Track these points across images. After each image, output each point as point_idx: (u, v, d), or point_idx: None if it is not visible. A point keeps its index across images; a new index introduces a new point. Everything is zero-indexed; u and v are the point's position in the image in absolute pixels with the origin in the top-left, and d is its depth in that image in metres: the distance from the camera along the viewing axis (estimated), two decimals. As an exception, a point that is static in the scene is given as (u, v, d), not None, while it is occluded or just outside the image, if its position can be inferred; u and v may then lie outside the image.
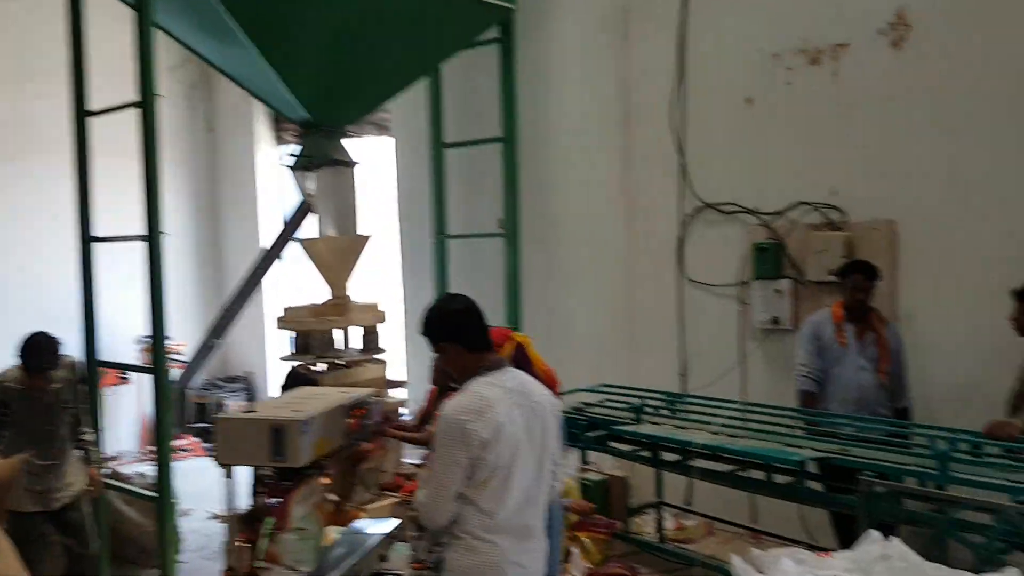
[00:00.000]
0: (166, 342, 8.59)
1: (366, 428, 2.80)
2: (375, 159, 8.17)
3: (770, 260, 5.52)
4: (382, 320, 5.38)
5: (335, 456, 2.81)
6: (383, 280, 8.13)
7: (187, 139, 9.49)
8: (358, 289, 7.81)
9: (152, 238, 4.33)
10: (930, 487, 3.84)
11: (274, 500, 2.27)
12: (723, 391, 5.69)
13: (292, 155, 5.45)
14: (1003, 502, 3.50)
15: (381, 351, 5.34)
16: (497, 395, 2.75)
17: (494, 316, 6.74)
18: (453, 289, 7.08)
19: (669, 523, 5.89)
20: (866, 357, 4.76)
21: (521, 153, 6.63)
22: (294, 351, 5.28)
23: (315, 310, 5.26)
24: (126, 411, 8.42)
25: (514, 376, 2.90)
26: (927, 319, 4.98)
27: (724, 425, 4.69)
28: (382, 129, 8.14)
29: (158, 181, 4.33)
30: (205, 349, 6.30)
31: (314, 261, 5.32)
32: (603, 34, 6.32)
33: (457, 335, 2.83)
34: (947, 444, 3.81)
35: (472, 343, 2.84)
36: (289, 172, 5.62)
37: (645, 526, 5.77)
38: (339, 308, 5.22)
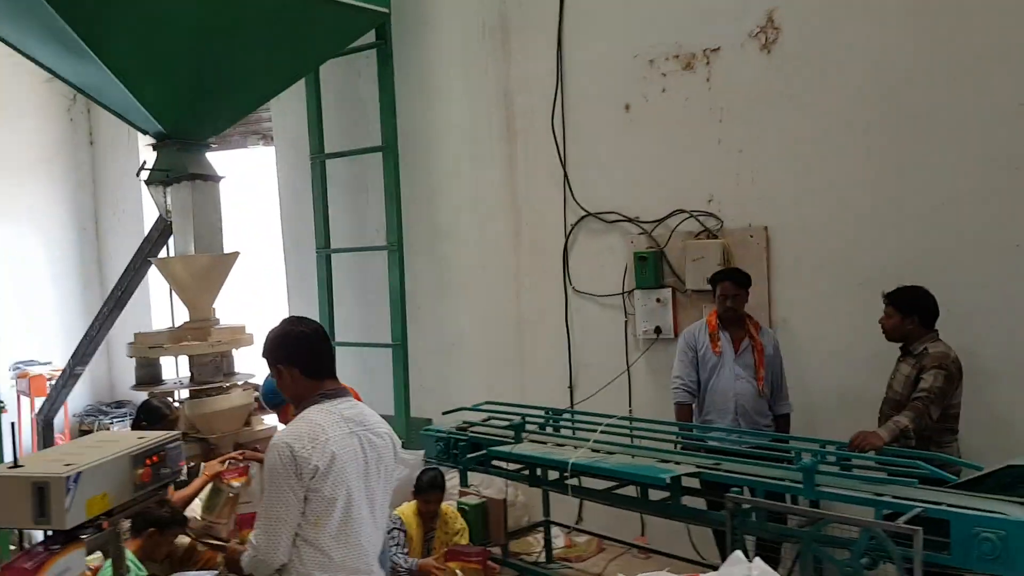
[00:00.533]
0: (42, 368, 8.21)
1: (161, 477, 2.53)
2: (260, 171, 7.85)
3: (651, 269, 5.42)
4: (248, 343, 5.08)
5: (130, 511, 2.54)
6: (271, 297, 7.80)
7: (67, 154, 9.00)
8: (236, 309, 7.51)
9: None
10: (803, 502, 3.78)
11: (24, 564, 2.00)
12: (610, 402, 5.59)
13: (145, 168, 5.10)
14: (868, 517, 3.42)
15: (236, 375, 5.03)
16: (331, 422, 2.61)
17: (382, 332, 6.61)
18: (339, 306, 6.84)
19: (560, 540, 5.75)
20: (742, 365, 4.70)
21: (405, 163, 6.44)
22: (139, 381, 4.96)
23: (172, 334, 4.93)
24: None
25: (353, 405, 2.77)
26: (801, 325, 4.94)
27: (602, 441, 4.55)
28: (267, 139, 7.82)
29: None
30: (66, 377, 5.90)
31: (170, 282, 4.99)
32: (483, 41, 6.15)
33: (294, 358, 2.68)
34: (813, 457, 3.72)
35: (310, 369, 2.69)
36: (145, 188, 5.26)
37: (536, 546, 5.62)
38: (200, 331, 4.89)
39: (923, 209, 4.56)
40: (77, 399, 8.68)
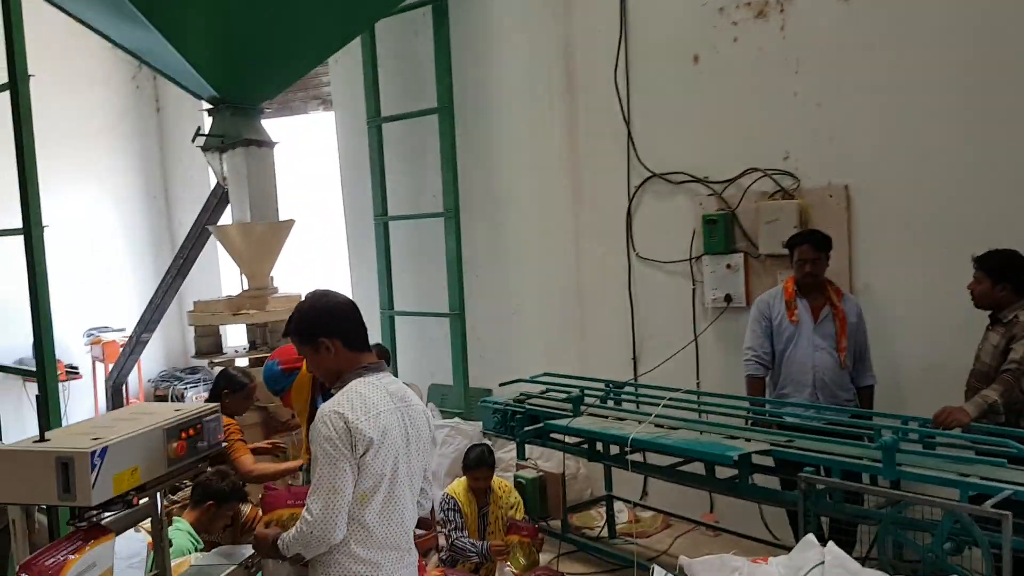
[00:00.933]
0: (116, 335, 8.38)
1: (198, 451, 2.43)
2: (321, 136, 7.77)
3: (721, 232, 5.11)
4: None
5: (169, 484, 2.46)
6: (333, 266, 7.75)
7: (133, 121, 9.10)
8: (297, 276, 7.49)
9: (30, 232, 3.95)
10: (883, 482, 3.50)
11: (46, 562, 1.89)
12: (677, 375, 5.33)
13: (201, 135, 5.04)
14: (953, 499, 3.13)
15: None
16: (380, 398, 2.50)
17: (441, 300, 6.48)
18: (398, 274, 6.73)
19: (624, 515, 5.56)
20: (822, 335, 4.36)
21: (462, 125, 6.24)
22: (199, 351, 4.93)
23: (231, 303, 4.89)
24: (78, 407, 8.14)
25: (394, 380, 2.65)
26: (886, 291, 4.57)
27: (666, 416, 4.32)
28: (327, 103, 7.72)
29: (35, 170, 3.94)
30: (134, 343, 5.96)
31: (227, 250, 4.94)
32: (543, -3, 5.87)
33: (337, 330, 2.54)
34: (894, 435, 3.42)
35: (353, 341, 2.57)
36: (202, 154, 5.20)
37: (599, 520, 5.45)
38: (257, 300, 4.84)
39: (1019, 164, 4.13)
40: (152, 365, 8.88)
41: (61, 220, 6.72)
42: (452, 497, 4.48)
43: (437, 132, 6.21)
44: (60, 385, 7.59)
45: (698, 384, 5.40)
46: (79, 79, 8.34)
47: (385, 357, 5.14)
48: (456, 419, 6.01)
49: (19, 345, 7.07)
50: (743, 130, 5.04)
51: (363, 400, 2.44)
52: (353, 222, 7.29)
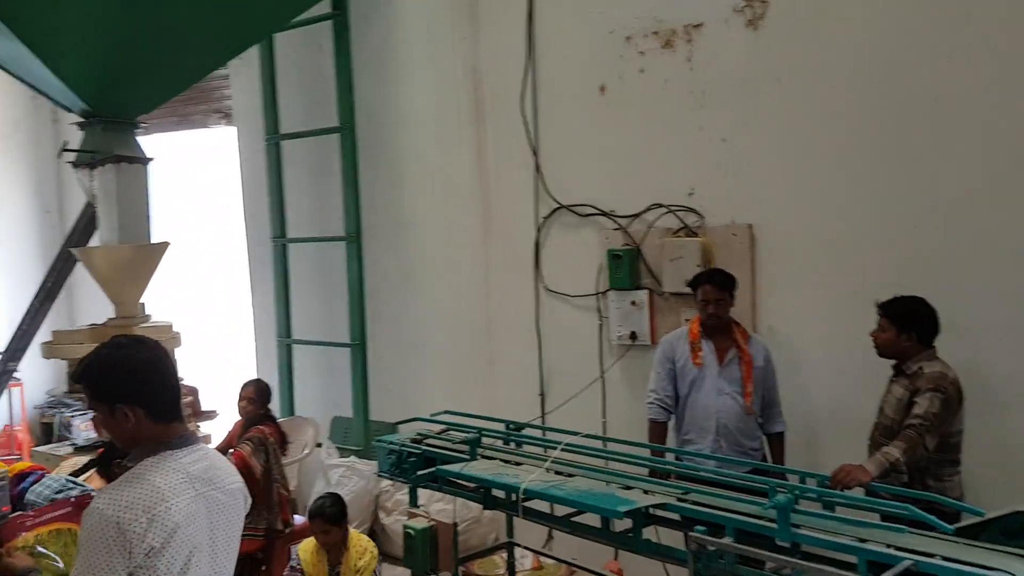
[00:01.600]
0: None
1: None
2: (225, 152, 7.38)
3: (626, 268, 4.94)
4: (175, 343, 4.63)
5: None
6: (236, 288, 7.35)
7: (28, 131, 8.52)
8: (199, 299, 7.07)
9: None
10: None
11: None
12: (584, 412, 5.15)
13: (68, 149, 4.63)
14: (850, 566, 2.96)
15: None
16: (175, 485, 2.08)
17: (345, 329, 6.16)
18: (299, 300, 6.39)
19: (528, 561, 5.32)
20: (727, 379, 4.20)
21: (366, 145, 5.97)
22: (74, 380, 4.51)
23: (94, 332, 4.49)
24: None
25: (200, 457, 2.21)
26: (790, 334, 4.45)
27: (563, 462, 4.09)
28: (230, 117, 7.34)
29: None
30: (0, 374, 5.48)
31: (92, 274, 4.54)
32: (450, 12, 5.63)
33: (140, 395, 2.10)
34: (788, 494, 3.24)
35: (160, 410, 2.13)
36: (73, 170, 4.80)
37: (502, 566, 5.18)
38: (124, 330, 4.44)
39: (926, 208, 4.05)
40: (37, 390, 8.28)
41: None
42: (298, 555, 4.13)
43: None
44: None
45: (604, 424, 5.22)
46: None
47: (264, 395, 4.82)
48: (352, 457, 5.69)
49: None
50: (649, 164, 4.89)
51: (149, 495, 2.04)
52: (254, 244, 6.91)
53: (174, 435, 2.17)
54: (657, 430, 4.34)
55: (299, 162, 6.37)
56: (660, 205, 4.82)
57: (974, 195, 3.92)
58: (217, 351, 7.46)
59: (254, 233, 6.87)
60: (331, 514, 4.18)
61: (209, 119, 7.58)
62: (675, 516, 3.68)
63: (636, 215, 4.94)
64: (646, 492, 3.73)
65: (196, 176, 7.92)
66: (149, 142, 8.07)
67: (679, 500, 3.58)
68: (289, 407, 6.28)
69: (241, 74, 6.77)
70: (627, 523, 3.73)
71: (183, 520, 2.07)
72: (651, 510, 3.64)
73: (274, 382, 6.47)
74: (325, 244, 6.08)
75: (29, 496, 3.03)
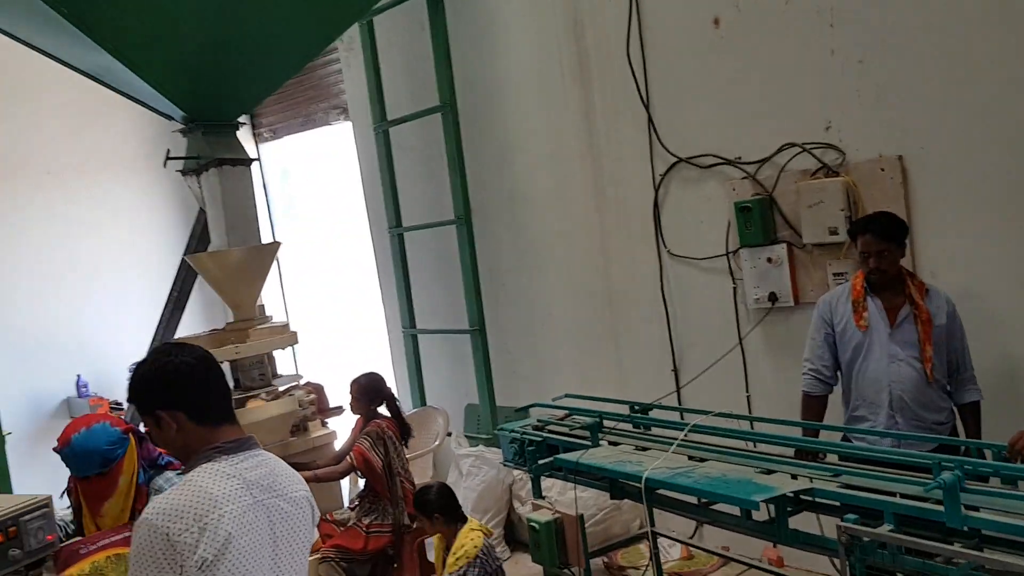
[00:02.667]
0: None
1: (11, 560, 1.97)
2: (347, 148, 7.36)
3: (758, 221, 4.37)
4: (288, 342, 4.57)
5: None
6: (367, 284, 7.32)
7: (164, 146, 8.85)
8: (331, 302, 7.04)
9: None
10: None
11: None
12: (723, 387, 4.66)
13: (171, 158, 4.67)
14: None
15: (273, 382, 4.53)
16: (229, 491, 1.93)
17: (461, 315, 5.94)
18: (424, 288, 6.23)
19: (676, 551, 4.90)
20: (900, 343, 3.51)
21: (470, 122, 5.69)
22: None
23: (213, 337, 4.50)
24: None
25: (261, 462, 2.06)
26: (956, 282, 3.71)
27: (693, 444, 3.66)
28: (348, 113, 7.30)
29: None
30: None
31: (207, 280, 4.55)
32: (546, -34, 5.24)
33: (178, 399, 2.01)
34: (956, 470, 2.65)
35: (201, 411, 2.02)
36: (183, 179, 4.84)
37: (643, 558, 4.80)
38: (240, 333, 4.43)
39: None
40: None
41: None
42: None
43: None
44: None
45: (748, 399, 4.69)
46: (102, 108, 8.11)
47: (367, 392, 4.60)
48: (480, 446, 5.47)
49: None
50: (776, 99, 4.30)
51: (199, 500, 1.88)
52: (377, 236, 6.84)
53: (226, 438, 2.03)
54: (812, 405, 3.77)
55: (409, 148, 6.20)
56: (793, 144, 4.23)
57: None
58: (352, 346, 7.48)
59: (376, 226, 6.79)
60: (419, 503, 4.05)
61: (330, 116, 7.58)
62: (828, 502, 3.18)
63: (765, 159, 4.37)
64: (793, 477, 3.24)
65: (327, 174, 7.97)
66: (278, 146, 8.36)
67: (828, 483, 3.07)
68: (420, 397, 6.15)
69: (352, 65, 6.69)
70: (771, 510, 3.26)
71: (237, 530, 1.89)
72: (798, 495, 3.15)
73: (404, 374, 6.40)
74: (440, 229, 5.88)
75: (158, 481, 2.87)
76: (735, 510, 3.50)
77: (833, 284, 4.13)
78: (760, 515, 3.32)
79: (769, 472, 3.30)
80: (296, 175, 8.33)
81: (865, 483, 2.99)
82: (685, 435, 3.64)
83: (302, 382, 4.79)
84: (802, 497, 3.16)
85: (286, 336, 4.56)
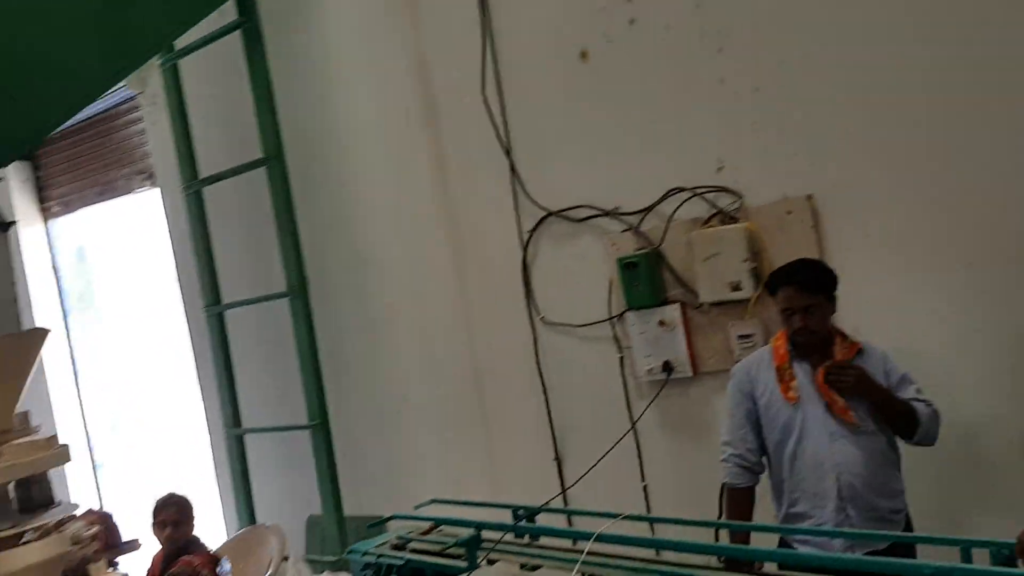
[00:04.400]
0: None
1: None
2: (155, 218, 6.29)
3: (645, 279, 3.76)
4: (61, 460, 3.45)
5: None
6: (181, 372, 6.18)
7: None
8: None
9: None
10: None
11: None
12: (614, 478, 3.89)
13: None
14: None
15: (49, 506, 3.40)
16: None
17: (299, 407, 4.96)
18: (242, 379, 5.21)
19: None
20: (840, 416, 2.89)
21: (303, 176, 4.83)
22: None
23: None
24: None
25: None
26: (887, 336, 3.17)
27: (597, 560, 2.87)
28: (153, 178, 6.25)
29: None
30: None
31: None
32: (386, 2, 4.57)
33: None
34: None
35: None
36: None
37: None
38: (-14, 452, 3.26)
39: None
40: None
41: None
42: None
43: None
44: None
45: (644, 487, 4.01)
46: None
47: (188, 513, 3.72)
48: (326, 573, 4.44)
49: None
50: (657, 140, 3.76)
51: None
52: (192, 318, 5.75)
53: None
54: (738, 499, 3.07)
55: (228, 211, 5.24)
56: (680, 189, 3.67)
57: None
58: (165, 455, 6.30)
59: (190, 305, 5.71)
60: None
61: (133, 182, 6.51)
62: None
63: (649, 208, 3.79)
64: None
65: (133, 251, 6.86)
66: (72, 221, 7.16)
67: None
68: (249, 514, 5.04)
69: (157, 121, 5.70)
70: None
71: None
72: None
73: (228, 484, 5.28)
74: (268, 305, 4.91)
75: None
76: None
77: (738, 349, 3.55)
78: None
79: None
80: (95, 254, 7.14)
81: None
82: (588, 550, 2.86)
83: (80, 511, 3.66)
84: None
85: (52, 454, 3.42)
